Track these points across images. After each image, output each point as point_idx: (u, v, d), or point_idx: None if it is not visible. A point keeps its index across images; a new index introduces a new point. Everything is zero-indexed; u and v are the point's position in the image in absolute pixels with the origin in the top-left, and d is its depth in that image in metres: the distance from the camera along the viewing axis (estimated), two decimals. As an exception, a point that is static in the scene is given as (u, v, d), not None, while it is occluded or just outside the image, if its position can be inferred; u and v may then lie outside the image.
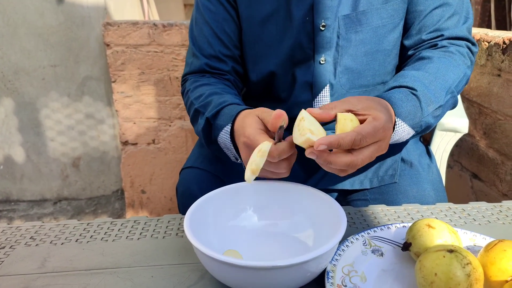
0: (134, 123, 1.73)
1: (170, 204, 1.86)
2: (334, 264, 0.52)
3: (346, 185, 0.85)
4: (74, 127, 1.77)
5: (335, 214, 0.56)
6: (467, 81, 0.81)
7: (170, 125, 1.74)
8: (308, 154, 0.55)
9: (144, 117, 1.73)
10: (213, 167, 0.83)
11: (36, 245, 0.62)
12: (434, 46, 0.81)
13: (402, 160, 0.85)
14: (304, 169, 0.90)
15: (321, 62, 0.83)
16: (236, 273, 0.46)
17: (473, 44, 0.82)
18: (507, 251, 0.47)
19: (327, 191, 0.85)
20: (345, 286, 0.49)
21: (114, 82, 1.67)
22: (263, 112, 0.63)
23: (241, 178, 0.69)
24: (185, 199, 0.82)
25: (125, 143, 1.76)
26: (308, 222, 0.61)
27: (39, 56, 1.66)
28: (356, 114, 0.58)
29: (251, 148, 0.60)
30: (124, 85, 1.68)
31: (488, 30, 1.33)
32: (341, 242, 0.56)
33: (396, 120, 0.64)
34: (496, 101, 1.21)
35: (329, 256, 0.50)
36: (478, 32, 1.31)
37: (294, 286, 0.49)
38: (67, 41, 1.66)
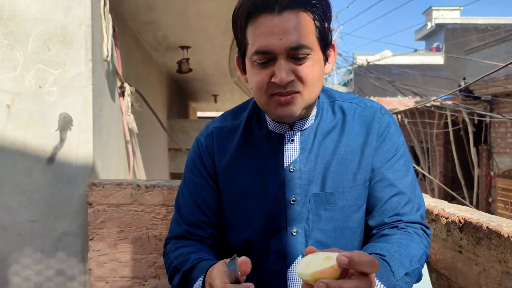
0: (107, 282, 1.68)
1: None
2: None
3: None
4: (42, 284, 1.70)
5: None
6: (427, 259, 0.91)
7: (144, 285, 1.69)
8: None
9: (118, 276, 1.69)
10: None
11: None
12: (395, 227, 0.92)
13: None
14: None
15: (293, 234, 0.91)
16: None
17: (427, 227, 0.95)
18: None
19: None
20: None
21: (91, 239, 1.67)
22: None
23: None
24: None
25: (94, 305, 1.68)
26: None
27: (19, 212, 1.68)
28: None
29: None
30: (101, 243, 1.68)
31: (445, 204, 1.45)
32: None
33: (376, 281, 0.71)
34: (462, 277, 1.26)
35: None
36: (436, 206, 1.43)
37: None
38: (50, 198, 1.70)
